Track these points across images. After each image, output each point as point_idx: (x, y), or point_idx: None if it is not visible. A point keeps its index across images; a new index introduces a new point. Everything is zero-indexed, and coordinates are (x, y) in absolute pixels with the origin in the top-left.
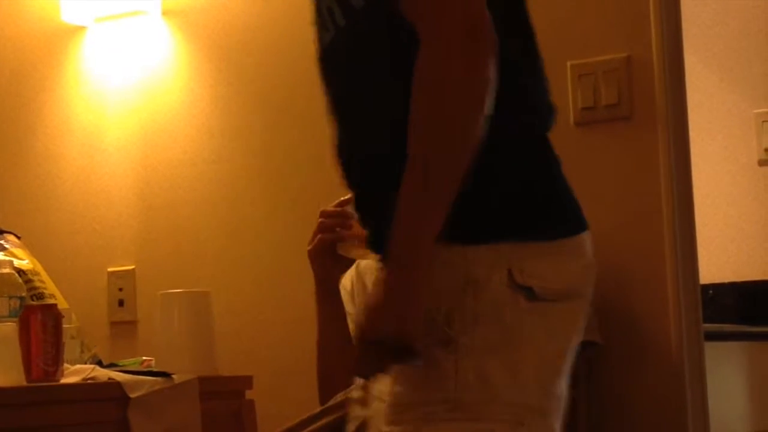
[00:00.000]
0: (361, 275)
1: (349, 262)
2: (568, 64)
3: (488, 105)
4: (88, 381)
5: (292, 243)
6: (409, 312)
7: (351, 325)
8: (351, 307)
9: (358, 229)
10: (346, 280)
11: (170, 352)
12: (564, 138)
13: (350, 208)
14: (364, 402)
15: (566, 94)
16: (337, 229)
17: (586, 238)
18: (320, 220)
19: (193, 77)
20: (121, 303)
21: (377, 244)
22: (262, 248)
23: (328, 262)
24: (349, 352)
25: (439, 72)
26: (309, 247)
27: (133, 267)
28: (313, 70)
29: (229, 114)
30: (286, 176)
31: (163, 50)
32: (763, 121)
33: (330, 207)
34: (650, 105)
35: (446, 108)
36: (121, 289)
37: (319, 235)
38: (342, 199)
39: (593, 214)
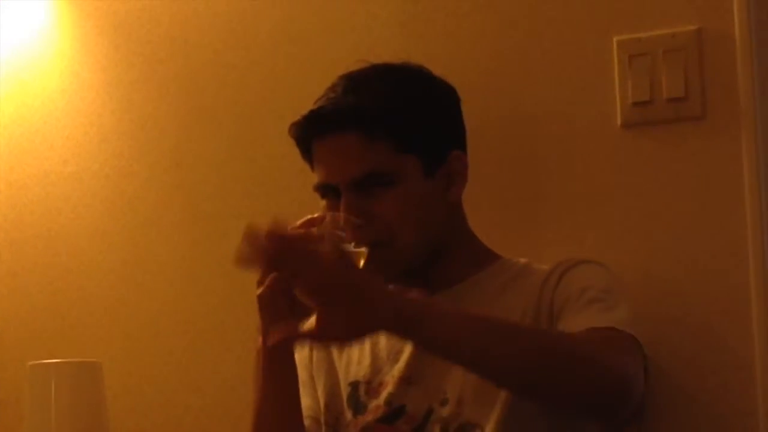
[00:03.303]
0: None
1: (309, 311)
2: (615, 40)
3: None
4: None
5: (219, 292)
6: None
7: (306, 400)
8: (306, 375)
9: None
10: None
11: None
12: (608, 145)
13: (320, 229)
14: None
15: (612, 84)
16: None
17: None
18: (269, 247)
19: (79, 56)
20: None
21: None
22: (175, 301)
23: (283, 310)
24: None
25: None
26: (259, 291)
27: None
28: (250, 48)
29: (129, 109)
30: (211, 198)
31: (38, 19)
32: None
33: (296, 224)
34: (730, 99)
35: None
36: None
37: (273, 274)
38: (308, 217)
39: (650, 251)
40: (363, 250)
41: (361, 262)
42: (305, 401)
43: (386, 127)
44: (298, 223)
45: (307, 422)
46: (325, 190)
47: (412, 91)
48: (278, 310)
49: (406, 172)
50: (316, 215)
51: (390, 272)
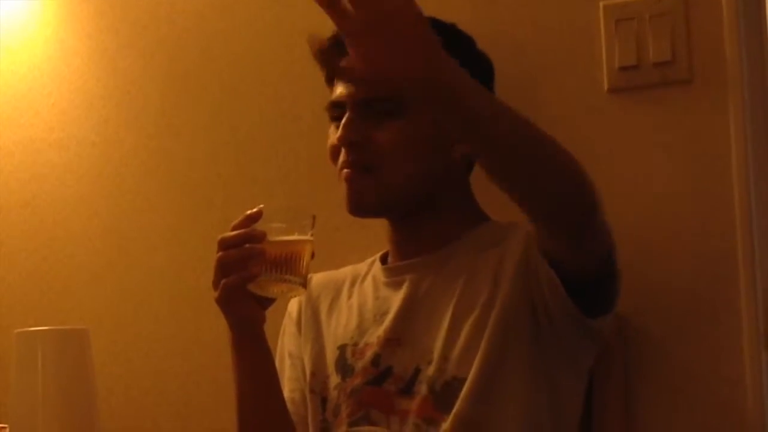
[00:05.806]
0: (312, 300)
1: (268, 303)
2: (601, 5)
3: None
4: None
5: (205, 258)
6: None
7: (293, 372)
8: (293, 345)
9: (274, 250)
10: (292, 306)
11: (32, 414)
12: (595, 110)
13: (263, 225)
14: None
15: (599, 49)
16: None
17: None
18: (219, 254)
19: (64, 23)
20: None
21: None
22: (160, 269)
23: (245, 305)
24: (282, 415)
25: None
26: (215, 296)
27: None
28: (235, 14)
29: (115, 75)
30: (197, 164)
31: None
32: None
33: (235, 222)
34: (717, 62)
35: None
36: None
37: (222, 281)
38: (249, 213)
39: (634, 219)
40: (309, 237)
41: (309, 250)
42: (292, 373)
43: None
44: (238, 221)
45: (296, 395)
46: (334, 109)
47: (443, 35)
48: (238, 306)
49: (417, 108)
50: (255, 210)
51: (370, 201)
